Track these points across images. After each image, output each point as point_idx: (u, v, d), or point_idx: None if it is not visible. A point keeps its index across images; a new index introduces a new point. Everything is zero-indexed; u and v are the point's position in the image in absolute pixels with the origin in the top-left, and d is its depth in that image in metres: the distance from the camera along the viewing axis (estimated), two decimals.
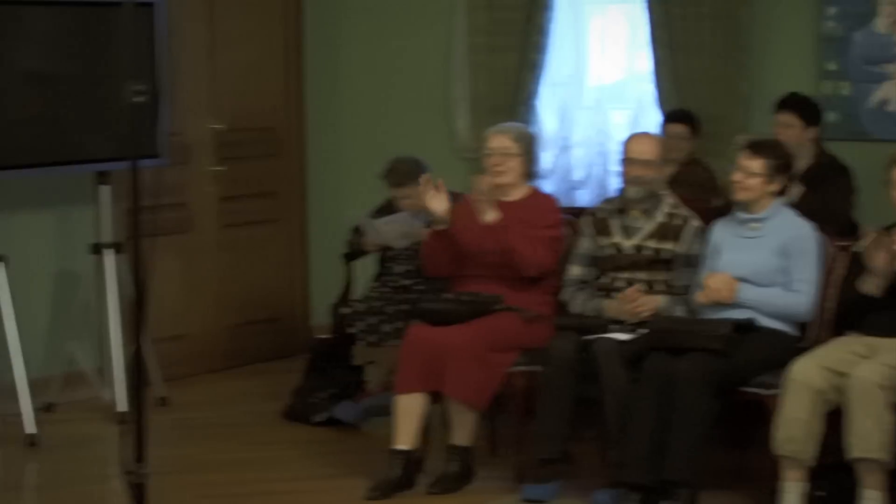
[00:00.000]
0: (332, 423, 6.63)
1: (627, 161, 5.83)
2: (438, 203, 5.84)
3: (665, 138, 6.51)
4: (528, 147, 5.99)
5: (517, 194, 5.98)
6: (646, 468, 5.33)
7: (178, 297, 7.48)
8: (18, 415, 6.40)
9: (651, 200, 5.83)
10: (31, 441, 6.35)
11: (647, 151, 5.82)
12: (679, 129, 6.90)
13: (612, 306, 5.77)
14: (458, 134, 7.81)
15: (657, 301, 5.71)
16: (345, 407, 6.63)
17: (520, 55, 7.55)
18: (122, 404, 6.67)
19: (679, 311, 5.72)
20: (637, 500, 5.36)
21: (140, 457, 4.11)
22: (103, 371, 7.04)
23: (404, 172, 6.58)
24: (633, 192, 5.81)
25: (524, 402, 5.80)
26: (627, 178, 5.83)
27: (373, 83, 8.19)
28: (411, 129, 7.93)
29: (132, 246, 4.31)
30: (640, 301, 5.68)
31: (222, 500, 5.70)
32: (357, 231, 6.80)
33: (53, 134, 6.56)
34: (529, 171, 6.02)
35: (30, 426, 6.37)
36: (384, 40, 8.14)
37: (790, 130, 6.33)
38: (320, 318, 7.66)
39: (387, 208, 6.72)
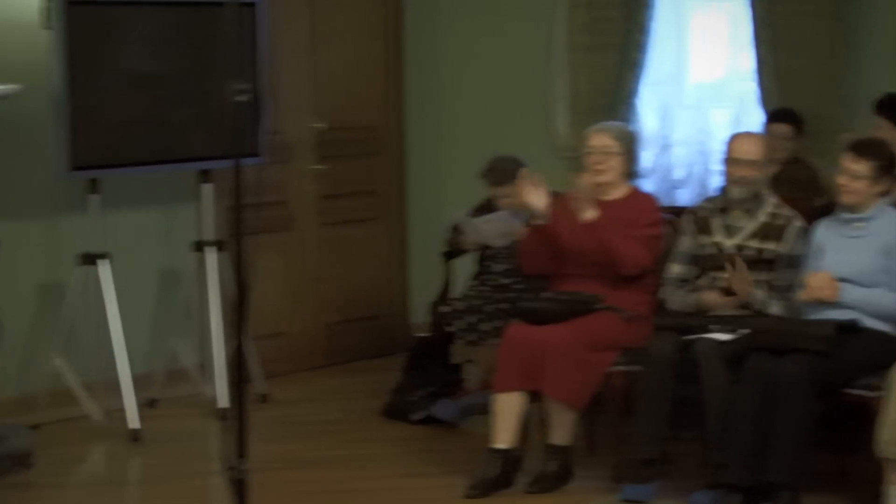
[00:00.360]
0: (431, 421, 6.64)
1: (731, 161, 5.78)
2: (537, 198, 5.83)
3: (768, 138, 6.44)
4: (628, 146, 5.96)
5: (617, 193, 5.95)
6: (746, 470, 5.28)
7: (278, 295, 7.53)
8: (122, 410, 6.47)
9: (753, 200, 5.77)
10: (135, 436, 6.42)
11: (751, 151, 5.77)
12: (783, 128, 6.83)
13: (711, 298, 5.73)
14: (557, 133, 7.79)
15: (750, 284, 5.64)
16: (443, 405, 6.64)
17: (620, 53, 7.51)
18: (223, 400, 6.72)
19: (776, 309, 5.66)
20: (737, 501, 5.31)
21: (241, 452, 4.14)
22: (205, 367, 7.10)
23: (504, 171, 6.58)
24: (737, 192, 5.76)
25: (623, 402, 5.78)
26: (731, 179, 5.78)
27: (472, 82, 8.20)
28: (511, 127, 7.92)
29: (234, 244, 4.33)
30: (740, 276, 5.61)
31: (321, 496, 5.73)
32: (456, 230, 6.80)
33: (157, 133, 6.63)
34: (629, 169, 5.99)
35: (133, 421, 6.45)
36: (484, 39, 8.14)
37: (882, 132, 6.24)
38: (419, 317, 7.68)
39: (486, 207, 6.71)
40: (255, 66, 6.64)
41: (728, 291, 5.71)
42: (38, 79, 6.29)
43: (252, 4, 6.69)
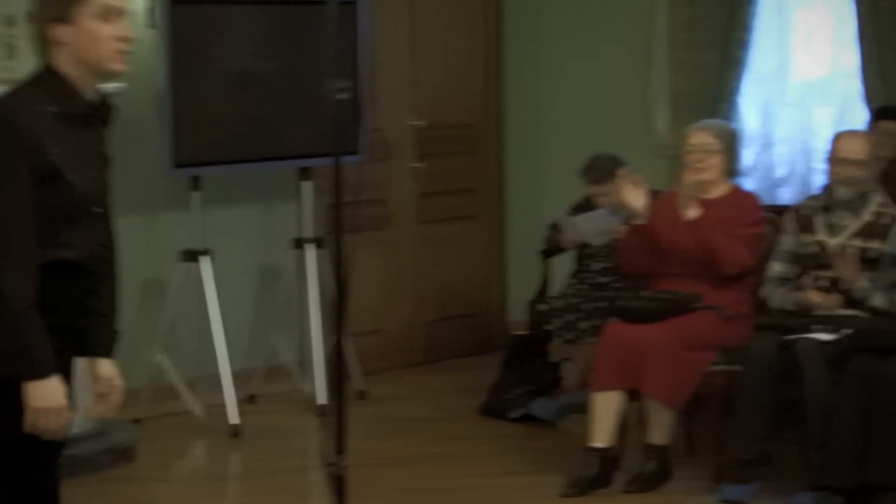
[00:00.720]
0: (529, 419, 6.63)
1: (836, 160, 5.70)
2: (635, 197, 5.80)
3: (873, 135, 6.35)
4: (729, 144, 5.91)
5: (718, 192, 5.90)
6: (848, 471, 5.22)
7: (376, 293, 7.56)
8: (222, 405, 6.53)
9: (859, 199, 5.70)
10: (235, 431, 6.48)
11: (857, 150, 5.69)
12: (889, 125, 6.73)
13: (813, 297, 5.66)
14: (657, 131, 7.75)
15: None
16: (541, 403, 6.63)
17: (722, 51, 7.44)
18: (321, 397, 6.76)
19: (879, 301, 5.57)
20: (839, 503, 5.25)
21: (340, 449, 4.15)
22: (304, 364, 7.15)
23: (603, 169, 6.55)
24: (843, 192, 5.68)
25: (722, 402, 5.73)
26: (837, 179, 5.70)
27: (572, 79, 8.17)
28: (610, 125, 7.89)
29: (333, 241, 4.35)
30: (847, 262, 5.54)
31: (419, 493, 5.74)
32: (555, 228, 6.79)
33: (258, 131, 6.69)
34: (731, 168, 5.94)
35: (233, 417, 6.50)
36: (584, 36, 8.12)
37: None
38: (517, 315, 7.67)
39: (585, 205, 6.69)
40: (355, 64, 6.67)
41: (830, 290, 5.65)
42: (142, 77, 6.35)
43: (353, 2, 6.71)
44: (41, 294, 3.38)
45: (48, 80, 3.44)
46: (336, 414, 4.19)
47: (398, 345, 7.77)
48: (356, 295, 5.89)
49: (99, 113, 3.55)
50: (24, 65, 5.95)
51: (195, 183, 6.57)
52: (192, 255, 6.56)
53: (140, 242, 6.72)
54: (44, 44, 3.48)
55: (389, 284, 7.70)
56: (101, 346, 3.68)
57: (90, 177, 3.52)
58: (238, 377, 6.70)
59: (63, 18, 3.43)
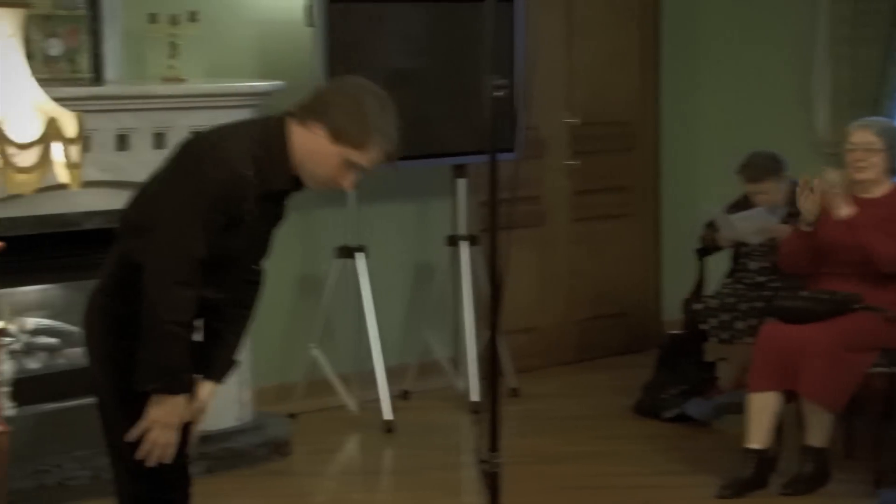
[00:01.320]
0: (683, 419, 6.57)
1: None
2: (811, 205, 5.70)
3: None
4: (891, 142, 5.78)
5: (879, 191, 5.78)
6: None
7: (530, 290, 7.55)
8: (376, 401, 6.58)
9: None
10: (388, 427, 6.52)
11: None
12: None
13: None
14: (817, 128, 7.61)
15: None
16: (696, 404, 6.56)
17: (884, 47, 7.29)
18: (474, 394, 6.77)
19: None
20: None
21: (493, 446, 4.16)
22: (457, 361, 7.17)
23: (761, 167, 6.46)
24: None
25: (883, 405, 5.62)
26: None
27: (730, 76, 8.07)
28: (768, 122, 7.77)
29: (488, 238, 4.35)
30: None
31: (572, 492, 5.72)
32: (711, 226, 6.71)
33: (414, 128, 6.68)
34: (892, 167, 5.81)
35: (387, 412, 6.54)
36: (742, 31, 8.01)
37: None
38: (672, 314, 7.60)
39: (742, 203, 6.60)
40: (511, 62, 6.66)
41: None
42: (299, 76, 6.42)
43: (510, 0, 6.71)
44: None
45: (272, 153, 3.56)
46: (489, 411, 4.19)
47: (551, 343, 7.75)
48: (510, 292, 5.89)
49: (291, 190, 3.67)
50: (187, 63, 6.09)
51: None
52: (347, 252, 6.61)
53: (296, 239, 6.80)
54: (301, 118, 3.59)
55: (543, 282, 7.69)
56: (214, 370, 3.75)
57: (259, 237, 3.66)
58: (392, 373, 6.74)
59: (331, 136, 3.56)
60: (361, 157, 3.56)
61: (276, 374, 6.75)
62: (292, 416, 6.55)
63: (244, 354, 5.99)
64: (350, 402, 6.74)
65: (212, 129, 3.66)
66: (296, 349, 6.76)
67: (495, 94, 4.05)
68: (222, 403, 5.94)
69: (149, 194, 3.62)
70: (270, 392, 6.64)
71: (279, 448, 6.12)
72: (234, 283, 3.68)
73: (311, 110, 3.59)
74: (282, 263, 6.71)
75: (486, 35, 4.13)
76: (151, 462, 3.56)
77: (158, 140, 5.69)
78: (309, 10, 6.36)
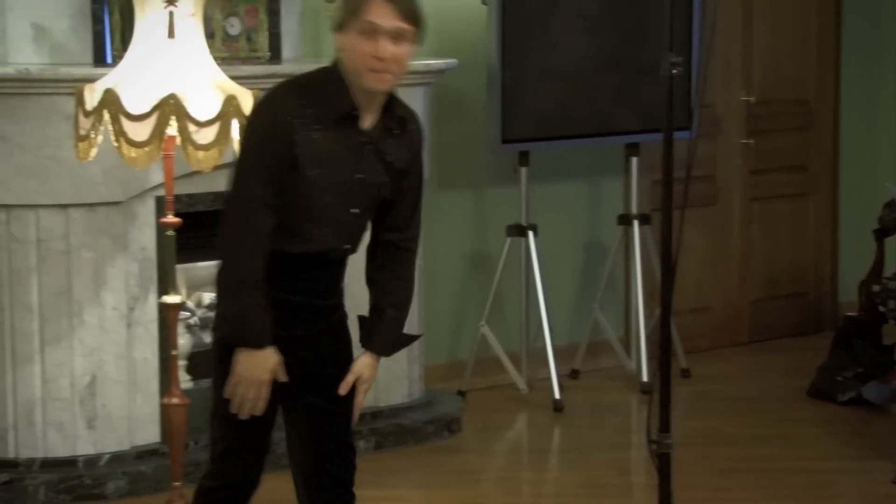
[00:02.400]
0: (859, 402, 6.45)
1: None
2: None
3: None
4: None
5: None
6: None
7: (701, 270, 7.47)
8: (545, 379, 6.58)
9: None
10: (557, 406, 6.51)
11: None
12: None
13: None
14: None
15: None
16: (873, 387, 6.43)
17: None
18: (645, 374, 6.74)
19: None
20: None
21: (664, 427, 4.12)
22: (627, 340, 7.13)
23: None
24: None
25: None
26: None
27: None
28: None
29: (660, 217, 4.31)
30: None
31: (743, 474, 5.65)
32: (891, 206, 6.56)
33: (586, 107, 6.68)
34: None
35: (556, 391, 6.53)
36: None
37: None
38: (849, 295, 7.45)
39: None
40: (688, 39, 6.59)
41: None
42: (473, 54, 6.44)
43: None
44: (280, 274, 3.54)
45: (322, 83, 3.57)
46: (660, 391, 4.16)
47: (723, 323, 7.67)
48: (681, 272, 5.83)
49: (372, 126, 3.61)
50: None
51: (523, 158, 6.62)
52: (518, 230, 6.61)
53: (468, 217, 6.82)
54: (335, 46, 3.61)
55: (716, 262, 7.60)
56: (371, 342, 3.72)
57: (361, 180, 3.59)
58: (561, 352, 6.73)
59: (340, 27, 3.55)
60: (364, 19, 3.48)
61: (447, 352, 6.79)
62: (462, 393, 6.58)
63: (414, 331, 6.06)
64: (519, 381, 6.74)
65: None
66: (466, 327, 6.78)
67: (672, 72, 4.00)
68: (393, 379, 6.00)
69: None
70: (440, 369, 6.68)
71: (448, 425, 6.15)
72: (350, 233, 3.64)
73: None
74: (453, 241, 6.77)
75: (664, 12, 4.07)
76: (243, 415, 3.58)
77: None
78: None
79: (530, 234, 6.59)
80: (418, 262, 6.00)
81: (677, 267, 4.20)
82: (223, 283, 3.56)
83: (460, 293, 6.84)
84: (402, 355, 5.99)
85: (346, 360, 3.72)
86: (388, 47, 3.48)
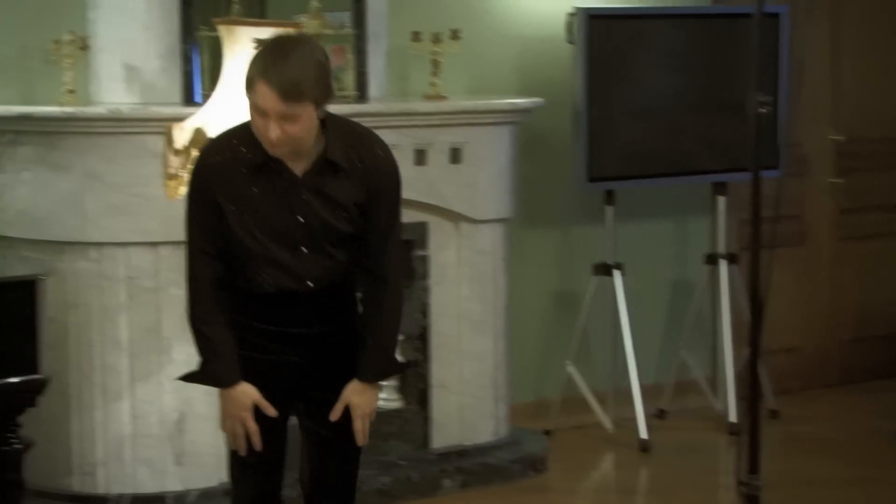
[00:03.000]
0: None
1: None
2: None
3: None
4: None
5: None
6: None
7: (790, 310, 7.40)
8: (632, 419, 6.53)
9: None
10: (644, 446, 6.46)
11: None
12: None
13: None
14: None
15: None
16: None
17: None
18: (732, 415, 6.67)
19: None
20: None
21: (753, 468, 4.09)
22: (715, 381, 7.07)
23: None
24: None
25: None
26: None
27: None
28: None
29: (748, 257, 4.29)
30: None
31: None
32: None
33: (672, 145, 6.66)
34: None
35: (643, 431, 6.49)
36: None
37: None
38: None
39: None
40: (776, 78, 6.55)
41: None
42: (560, 93, 6.44)
43: (776, 15, 6.60)
44: (251, 306, 3.68)
45: (249, 132, 3.61)
46: (749, 432, 4.12)
47: (813, 364, 7.58)
48: (770, 312, 5.79)
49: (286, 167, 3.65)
50: (447, 80, 6.17)
51: (609, 197, 6.61)
52: (604, 269, 6.59)
53: (554, 255, 6.81)
54: None
55: (805, 302, 7.53)
56: (357, 369, 3.77)
57: (282, 220, 3.63)
58: (648, 392, 6.69)
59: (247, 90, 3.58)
60: (252, 99, 3.51)
61: (532, 391, 6.77)
62: (548, 432, 6.55)
63: (500, 370, 6.06)
64: (605, 420, 6.71)
65: None
66: (552, 365, 6.76)
67: (760, 110, 3.98)
68: (478, 418, 6.00)
69: None
70: (527, 408, 6.66)
71: (534, 464, 6.13)
72: (307, 271, 3.66)
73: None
74: (539, 279, 6.76)
75: (751, 51, 4.06)
76: (242, 451, 3.70)
77: (419, 156, 5.77)
78: (570, 26, 6.37)
79: (616, 272, 6.56)
80: (502, 299, 6.06)
81: (766, 307, 4.17)
82: (190, 330, 3.71)
83: (546, 331, 6.83)
84: (487, 393, 6.02)
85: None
86: (276, 130, 3.51)
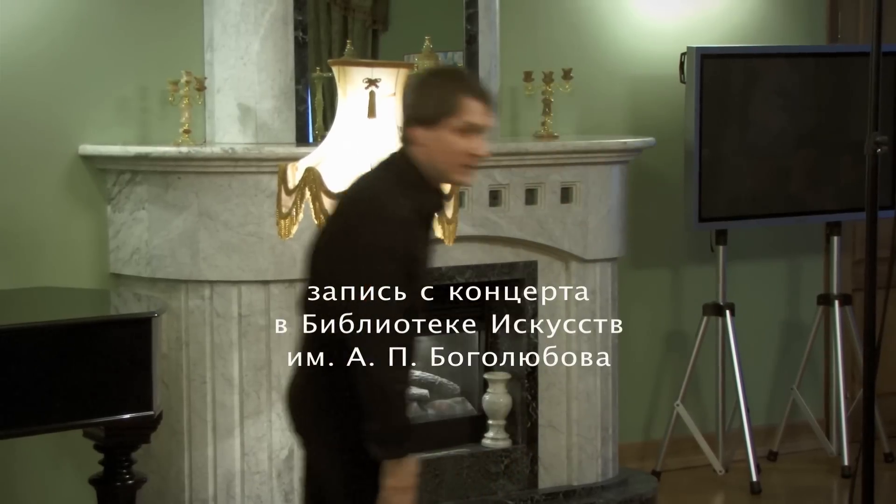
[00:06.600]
0: None
1: None
2: None
3: None
4: None
5: None
6: None
7: None
8: (743, 461, 6.47)
9: None
10: (755, 488, 6.39)
11: None
12: None
13: None
14: None
15: None
16: None
17: None
18: (846, 457, 6.58)
19: None
20: None
21: None
22: (828, 423, 6.98)
23: None
24: None
25: None
26: None
27: None
28: None
29: (861, 298, 4.23)
30: None
31: None
32: None
33: (785, 185, 6.61)
34: None
35: (754, 473, 6.42)
36: None
37: None
38: None
39: None
40: (893, 117, 6.48)
41: None
42: (671, 132, 6.42)
43: (893, 54, 6.53)
44: None
45: (413, 181, 3.54)
46: (863, 476, 4.06)
47: None
48: (885, 353, 5.71)
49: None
50: (558, 119, 6.17)
51: (720, 237, 6.56)
52: (715, 310, 6.54)
53: (664, 295, 6.78)
54: (404, 140, 3.60)
55: None
56: None
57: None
58: (759, 433, 6.62)
59: (428, 123, 3.51)
60: (463, 119, 3.47)
61: (641, 431, 6.73)
62: (656, 473, 6.50)
63: (609, 410, 6.03)
64: (715, 462, 6.64)
65: (357, 192, 3.62)
66: (661, 406, 6.72)
67: (877, 150, 3.94)
68: (586, 459, 5.97)
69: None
70: (635, 449, 6.62)
71: None
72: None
73: (403, 126, 3.60)
74: (649, 319, 6.73)
75: (869, 90, 4.02)
76: None
77: (530, 196, 5.77)
78: (682, 66, 6.35)
79: (727, 312, 6.51)
80: (611, 339, 6.03)
81: (881, 348, 4.12)
82: (389, 392, 3.47)
83: (655, 372, 6.79)
84: (595, 433, 5.99)
85: None
86: (484, 145, 3.53)
